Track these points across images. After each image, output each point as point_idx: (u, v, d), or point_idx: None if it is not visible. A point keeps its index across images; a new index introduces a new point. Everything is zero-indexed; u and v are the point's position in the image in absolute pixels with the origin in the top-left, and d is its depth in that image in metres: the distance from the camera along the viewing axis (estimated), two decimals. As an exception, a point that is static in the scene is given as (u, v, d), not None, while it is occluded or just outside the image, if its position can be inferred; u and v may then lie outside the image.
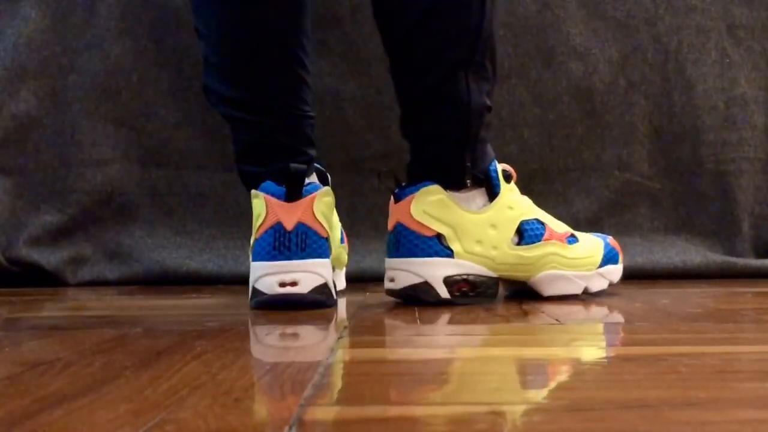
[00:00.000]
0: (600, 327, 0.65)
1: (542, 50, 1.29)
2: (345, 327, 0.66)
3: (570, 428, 0.33)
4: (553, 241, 0.87)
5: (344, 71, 1.28)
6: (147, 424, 0.33)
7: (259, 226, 0.80)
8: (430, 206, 0.83)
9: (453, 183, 0.84)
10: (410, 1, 0.82)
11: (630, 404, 0.37)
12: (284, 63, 0.84)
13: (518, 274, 0.86)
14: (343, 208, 1.20)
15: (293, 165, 0.80)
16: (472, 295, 0.84)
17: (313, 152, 0.86)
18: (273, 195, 0.80)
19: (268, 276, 0.78)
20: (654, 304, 0.82)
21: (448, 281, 0.83)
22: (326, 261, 0.81)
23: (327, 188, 0.83)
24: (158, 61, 1.27)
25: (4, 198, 1.23)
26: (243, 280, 1.00)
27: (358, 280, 1.17)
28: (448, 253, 0.83)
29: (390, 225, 0.85)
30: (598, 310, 0.78)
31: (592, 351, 0.53)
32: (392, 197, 0.86)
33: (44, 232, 1.23)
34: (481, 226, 0.84)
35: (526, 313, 0.75)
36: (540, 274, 0.87)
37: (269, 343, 0.60)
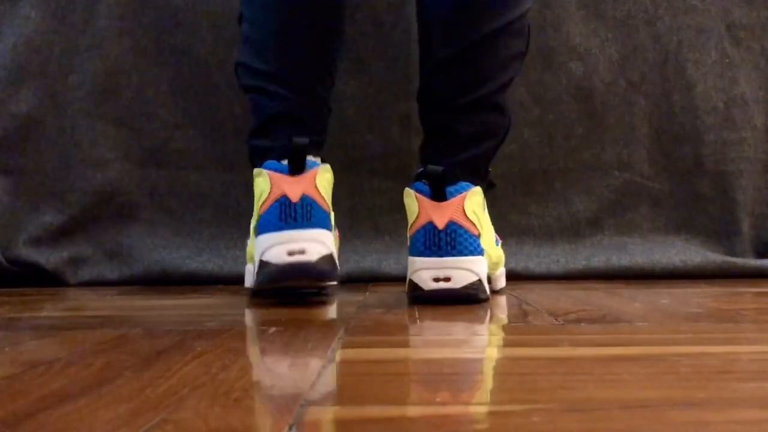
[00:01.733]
0: (600, 327, 0.65)
1: (542, 50, 1.29)
2: (345, 327, 0.66)
3: (570, 428, 0.33)
4: None
5: (344, 71, 1.28)
6: (147, 424, 0.33)
7: (263, 203, 0.81)
8: (477, 206, 0.85)
9: (483, 184, 0.89)
10: (480, 22, 0.86)
11: (630, 404, 0.37)
12: (322, 45, 0.88)
13: (491, 271, 0.90)
14: (343, 208, 1.20)
15: (295, 138, 0.81)
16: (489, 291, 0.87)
17: (324, 138, 0.90)
18: (276, 171, 0.81)
19: (277, 246, 0.79)
20: (654, 304, 0.82)
21: (488, 279, 0.86)
22: (330, 233, 0.82)
23: (327, 165, 0.85)
24: (158, 61, 1.27)
25: (4, 198, 1.23)
26: (243, 280, 1.00)
27: (358, 280, 1.17)
28: (482, 251, 0.85)
29: (441, 223, 0.83)
30: (598, 310, 0.78)
31: (592, 351, 0.53)
32: (423, 195, 0.85)
33: (44, 232, 1.23)
34: (489, 226, 0.89)
35: (526, 314, 0.75)
36: (497, 271, 0.95)
37: (269, 343, 0.60)
